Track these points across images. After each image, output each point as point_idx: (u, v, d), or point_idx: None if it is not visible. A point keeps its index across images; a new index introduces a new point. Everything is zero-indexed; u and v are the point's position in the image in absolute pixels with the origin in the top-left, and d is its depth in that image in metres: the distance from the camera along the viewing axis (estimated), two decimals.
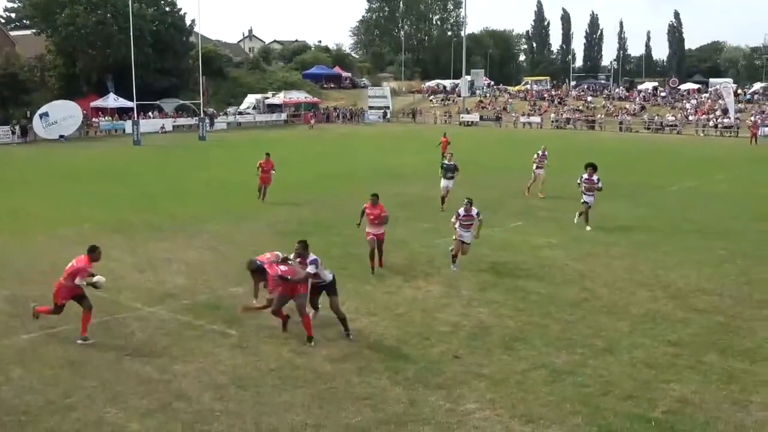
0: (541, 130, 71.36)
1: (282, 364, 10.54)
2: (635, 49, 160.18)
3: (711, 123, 68.88)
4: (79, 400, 9.26)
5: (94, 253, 11.59)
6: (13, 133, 54.46)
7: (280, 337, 11.59)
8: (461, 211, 15.59)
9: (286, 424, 8.64)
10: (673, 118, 71.94)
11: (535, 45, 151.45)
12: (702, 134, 66.44)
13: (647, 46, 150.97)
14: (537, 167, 26.83)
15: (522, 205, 24.62)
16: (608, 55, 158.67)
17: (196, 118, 62.63)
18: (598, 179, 20.61)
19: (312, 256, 11.29)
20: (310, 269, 11.15)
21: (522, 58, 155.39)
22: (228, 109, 75.93)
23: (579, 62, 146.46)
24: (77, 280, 11.31)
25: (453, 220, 15.74)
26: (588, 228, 20.09)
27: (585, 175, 20.74)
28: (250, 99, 79.44)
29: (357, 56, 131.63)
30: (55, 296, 11.57)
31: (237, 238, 19.19)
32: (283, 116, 78.35)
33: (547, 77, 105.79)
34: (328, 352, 10.97)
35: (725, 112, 70.26)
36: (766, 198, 27.20)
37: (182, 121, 67.74)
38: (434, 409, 9.07)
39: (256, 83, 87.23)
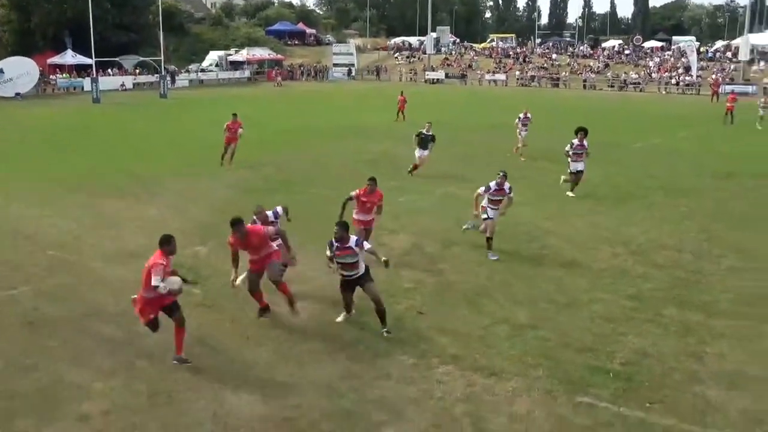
0: (506, 88, 71.51)
1: (246, 322, 10.53)
2: (600, 7, 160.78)
3: (673, 81, 69.55)
4: (40, 361, 9.17)
5: (168, 244, 9.29)
6: None
7: (244, 296, 11.55)
8: (493, 184, 13.86)
9: (250, 382, 8.67)
10: (637, 76, 72.49)
11: (501, 1, 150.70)
12: (664, 92, 67.10)
13: (612, 4, 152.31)
14: (521, 131, 26.57)
15: (490, 163, 24.65)
16: (573, 12, 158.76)
17: (157, 75, 61.41)
18: (587, 144, 19.63)
19: (354, 238, 10.08)
20: (366, 249, 10.07)
21: (488, 14, 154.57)
22: (190, 67, 74.53)
23: (545, 19, 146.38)
24: (153, 281, 8.85)
25: (481, 191, 13.86)
26: (571, 194, 19.51)
27: (576, 141, 19.56)
28: (213, 56, 78.13)
29: (321, 12, 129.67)
30: (139, 314, 9.36)
31: (199, 197, 19.00)
32: (247, 73, 77.32)
33: (513, 34, 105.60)
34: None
35: (687, 69, 70.94)
36: (727, 156, 27.65)
37: (143, 78, 66.31)
38: (398, 363, 9.17)
39: (218, 40, 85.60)
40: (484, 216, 13.89)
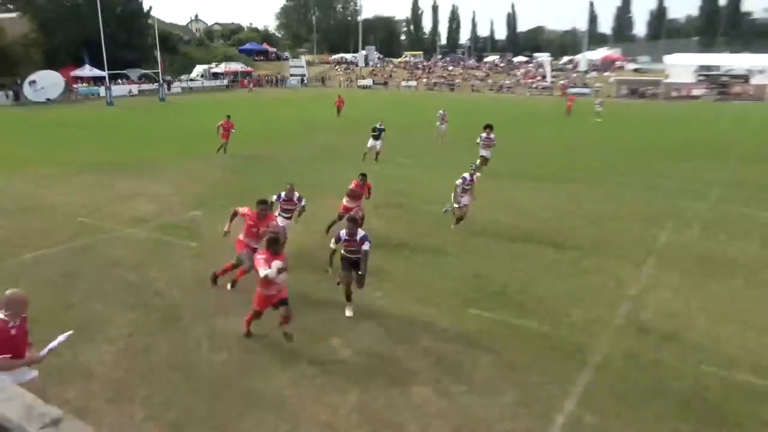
0: (416, 92, 71.32)
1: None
2: (483, 31, 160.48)
3: (534, 86, 70.66)
4: (77, 301, 8.89)
5: (274, 244, 7.19)
6: (8, 97, 49.66)
7: (233, 246, 11.36)
8: (466, 176, 12.80)
9: (237, 311, 8.56)
10: (509, 82, 73.28)
11: (412, 28, 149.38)
12: (528, 94, 68.09)
13: (491, 30, 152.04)
14: (440, 124, 26.23)
15: (417, 151, 24.66)
16: (464, 35, 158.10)
17: (156, 84, 58.79)
18: (494, 137, 18.90)
19: (362, 232, 8.46)
20: (366, 247, 8.32)
21: (403, 37, 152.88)
22: (181, 77, 71.54)
23: (444, 41, 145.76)
24: (260, 273, 7.13)
25: (458, 182, 12.74)
26: (478, 173, 18.77)
27: (484, 135, 18.84)
28: (198, 69, 75.29)
29: (280, 35, 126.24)
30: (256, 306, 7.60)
31: (194, 176, 18.46)
32: (225, 82, 74.84)
33: (421, 52, 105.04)
34: None
35: (544, 77, 72.19)
36: (593, 144, 28.38)
37: (145, 86, 63.20)
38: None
39: (202, 56, 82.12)
40: (457, 204, 12.80)
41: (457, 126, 28.43)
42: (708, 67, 65.23)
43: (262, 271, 7.11)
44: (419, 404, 6.45)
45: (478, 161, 18.99)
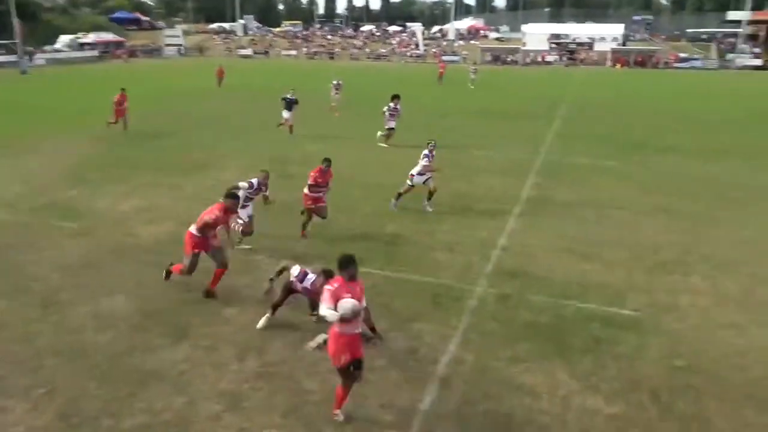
0: (297, 60, 69.54)
1: (117, 245, 9.62)
2: (359, 1, 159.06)
3: (408, 54, 71.55)
4: None
5: (350, 266, 5.35)
6: None
7: (115, 223, 10.53)
8: (428, 153, 11.58)
9: (122, 288, 8.02)
10: (385, 51, 73.61)
11: None
12: (403, 62, 68.90)
13: (366, 0, 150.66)
14: (335, 94, 25.60)
15: (304, 119, 23.98)
16: (341, 5, 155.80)
17: (15, 55, 52.04)
18: (400, 107, 18.30)
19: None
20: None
21: (281, 6, 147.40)
22: (45, 47, 64.03)
23: (321, 10, 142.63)
24: (320, 310, 5.28)
25: (426, 163, 11.50)
26: (385, 145, 17.91)
27: (392, 104, 18.09)
28: (64, 39, 67.61)
29: (153, 4, 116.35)
30: (331, 357, 5.45)
31: (68, 152, 16.73)
32: (95, 53, 68.05)
33: (300, 21, 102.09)
34: (153, 231, 10.21)
35: (417, 46, 73.30)
36: (460, 108, 29.10)
37: (3, 58, 55.86)
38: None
39: (67, 25, 73.89)
40: (410, 183, 11.56)
41: (344, 95, 28.04)
42: (558, 36, 69.65)
43: (322, 309, 5.22)
44: (315, 362, 6.43)
45: (382, 132, 18.35)
